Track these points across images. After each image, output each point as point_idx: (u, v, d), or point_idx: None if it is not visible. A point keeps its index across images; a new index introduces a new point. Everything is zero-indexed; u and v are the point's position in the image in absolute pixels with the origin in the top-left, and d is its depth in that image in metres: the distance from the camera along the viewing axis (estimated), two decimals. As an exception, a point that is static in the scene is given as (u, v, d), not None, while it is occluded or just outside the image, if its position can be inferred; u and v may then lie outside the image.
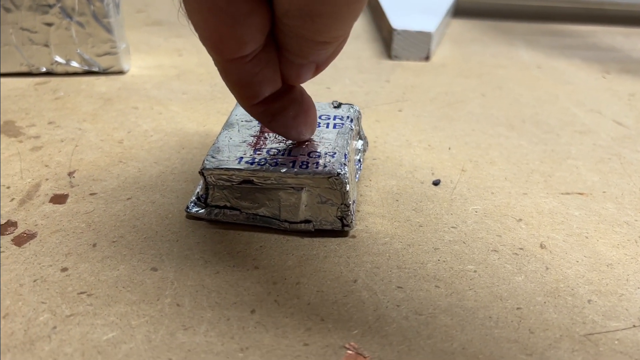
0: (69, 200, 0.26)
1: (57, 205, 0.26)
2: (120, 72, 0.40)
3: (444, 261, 0.24)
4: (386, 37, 0.48)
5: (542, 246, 0.25)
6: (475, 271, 0.23)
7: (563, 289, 0.22)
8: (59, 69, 0.39)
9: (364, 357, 0.19)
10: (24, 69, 0.38)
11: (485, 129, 0.35)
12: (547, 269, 0.23)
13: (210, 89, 0.39)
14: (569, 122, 0.36)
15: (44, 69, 0.39)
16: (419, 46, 0.45)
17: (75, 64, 0.39)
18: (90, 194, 0.27)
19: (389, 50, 0.46)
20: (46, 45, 0.38)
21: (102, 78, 0.39)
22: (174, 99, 0.37)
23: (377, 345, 0.20)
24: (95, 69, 0.39)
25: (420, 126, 0.35)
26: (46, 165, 0.29)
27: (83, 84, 0.38)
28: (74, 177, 0.28)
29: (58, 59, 0.38)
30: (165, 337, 0.20)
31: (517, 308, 0.21)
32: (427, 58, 0.45)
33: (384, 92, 0.39)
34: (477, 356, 0.19)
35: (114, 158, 0.30)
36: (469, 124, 0.35)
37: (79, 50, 0.38)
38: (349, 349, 0.19)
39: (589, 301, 0.22)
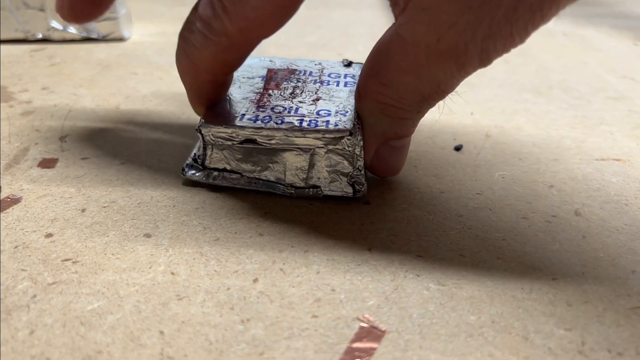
0: (58, 164, 0.24)
1: (45, 169, 0.24)
2: (121, 39, 0.38)
3: (469, 228, 0.21)
4: (402, 5, 0.46)
5: (577, 213, 0.22)
6: (504, 239, 0.21)
7: (603, 259, 0.20)
8: (56, 36, 0.37)
9: (380, 331, 0.17)
10: (19, 35, 0.37)
11: (510, 95, 0.32)
12: (584, 237, 0.21)
13: (215, 55, 0.36)
14: (601, 89, 0.33)
15: (40, 35, 0.37)
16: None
17: (72, 30, 0.37)
18: (82, 159, 0.25)
19: (404, 18, 0.43)
20: (42, 10, 0.36)
21: (102, 45, 0.37)
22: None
23: (394, 317, 0.17)
24: (94, 36, 0.37)
25: (439, 91, 0.32)
26: (37, 130, 0.27)
27: (81, 50, 0.36)
28: (65, 141, 0.26)
29: (55, 24, 0.36)
30: (157, 307, 0.17)
31: (553, 279, 0.19)
32: (445, 25, 0.42)
33: (400, 59, 0.37)
34: (508, 331, 0.17)
35: (109, 123, 0.28)
36: (492, 89, 0.33)
37: (76, 15, 0.36)
38: (363, 321, 0.17)
39: (632, 272, 0.19)
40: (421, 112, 0.21)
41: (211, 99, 0.23)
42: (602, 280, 0.19)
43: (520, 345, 0.17)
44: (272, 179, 0.22)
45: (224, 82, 0.22)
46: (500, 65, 0.36)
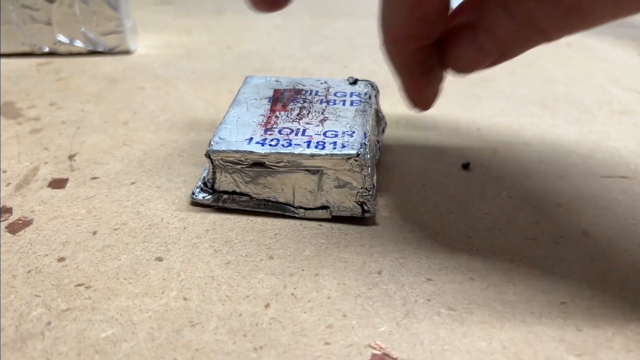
0: (68, 184, 0.25)
1: (56, 190, 0.24)
2: (127, 52, 0.38)
3: (478, 250, 0.21)
4: (406, 15, 0.46)
5: (585, 234, 0.22)
6: (513, 261, 0.21)
7: (612, 281, 0.20)
8: (62, 49, 0.37)
9: (393, 358, 0.17)
10: (26, 49, 0.37)
11: (516, 108, 0.32)
12: (592, 259, 0.21)
13: (221, 67, 0.36)
14: (606, 101, 0.33)
15: (46, 49, 0.37)
16: (442, 23, 0.42)
17: (79, 44, 0.37)
18: (92, 178, 0.25)
19: (409, 28, 0.44)
20: (48, 24, 0.36)
21: (108, 58, 0.37)
22: (183, 78, 0.35)
23: (406, 344, 0.18)
24: (101, 49, 0.37)
25: (446, 106, 0.32)
26: (46, 148, 0.27)
27: (87, 64, 0.36)
28: (74, 160, 0.26)
29: (61, 38, 0.36)
30: (171, 334, 0.18)
31: (562, 302, 0.19)
32: (450, 35, 0.42)
33: (406, 71, 0.37)
34: (519, 357, 0.17)
35: (117, 140, 0.28)
36: (499, 103, 0.33)
37: (82, 29, 0.36)
38: (375, 348, 0.17)
39: (641, 295, 0.20)
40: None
41: (423, 83, 0.21)
42: (611, 303, 0.19)
43: (531, 372, 0.17)
44: (282, 200, 0.23)
45: (431, 56, 0.20)
46: (506, 77, 0.36)
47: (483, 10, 0.19)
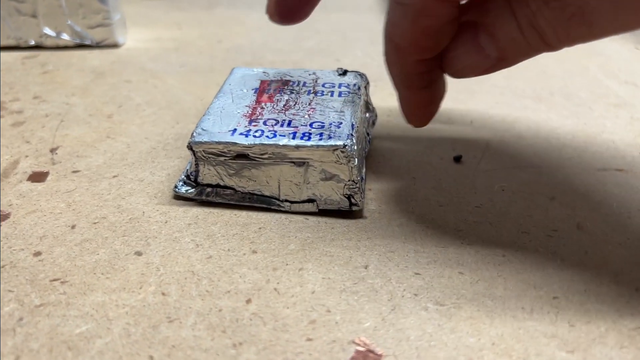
0: (49, 178, 0.24)
1: (35, 183, 0.24)
2: (115, 46, 0.37)
3: (468, 244, 0.21)
4: (400, 9, 0.45)
5: (579, 227, 0.22)
6: (504, 255, 0.20)
7: (605, 276, 0.19)
8: (49, 42, 0.36)
9: (376, 355, 0.16)
10: (11, 42, 0.36)
11: (510, 102, 0.31)
12: (586, 252, 0.20)
13: (210, 61, 0.36)
14: (602, 95, 0.33)
15: (32, 42, 0.36)
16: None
17: (65, 37, 0.36)
18: (73, 172, 0.24)
19: (403, 22, 0.43)
20: (34, 16, 0.35)
21: (95, 52, 0.36)
22: (171, 72, 0.34)
23: (391, 340, 0.17)
24: (88, 42, 0.36)
25: (438, 99, 0.31)
26: (27, 142, 0.26)
27: (74, 57, 0.36)
28: (56, 153, 0.26)
29: (47, 31, 0.36)
30: (147, 330, 0.17)
31: (554, 297, 0.19)
32: (444, 29, 0.42)
33: (398, 64, 0.36)
34: (509, 354, 0.17)
35: (101, 133, 0.27)
36: (493, 96, 0.32)
37: (69, 22, 0.36)
38: (359, 344, 0.17)
39: (636, 289, 0.19)
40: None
41: (423, 97, 0.21)
42: (605, 298, 0.19)
43: (521, 369, 0.16)
44: (267, 193, 0.22)
45: (433, 69, 0.20)
46: (501, 71, 0.36)
47: (487, 10, 0.18)
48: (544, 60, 0.37)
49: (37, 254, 0.20)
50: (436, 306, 0.18)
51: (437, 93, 0.21)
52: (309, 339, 0.17)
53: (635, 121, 0.30)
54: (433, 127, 0.28)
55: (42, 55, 0.36)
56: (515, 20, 0.17)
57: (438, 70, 0.20)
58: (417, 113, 0.22)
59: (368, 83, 0.26)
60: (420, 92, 0.21)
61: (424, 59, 0.19)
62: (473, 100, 0.31)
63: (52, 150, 0.26)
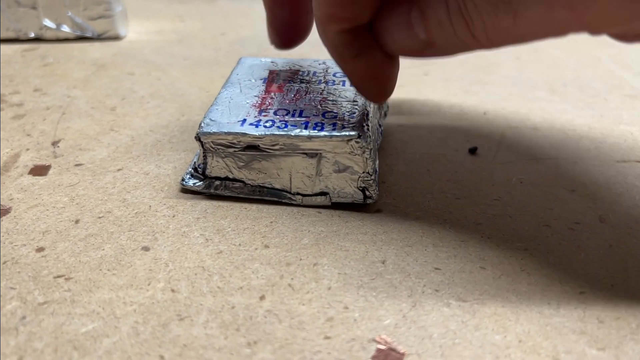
0: (51, 171, 0.23)
1: (37, 177, 0.23)
2: (117, 38, 0.36)
3: (489, 238, 0.20)
4: None
5: (601, 220, 0.21)
6: (526, 249, 0.19)
7: (632, 269, 0.19)
8: (49, 35, 0.35)
9: (399, 353, 0.16)
10: (11, 34, 0.35)
11: (523, 93, 0.31)
12: (611, 246, 0.20)
13: (215, 53, 0.35)
14: (617, 86, 0.32)
15: (32, 35, 0.35)
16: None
17: (66, 29, 0.35)
18: (76, 165, 0.23)
19: (410, 13, 0.42)
20: (34, 8, 0.34)
21: (97, 44, 0.36)
22: (175, 64, 0.33)
23: (414, 338, 0.16)
24: (89, 34, 0.36)
25: (450, 90, 0.31)
26: (28, 135, 0.26)
27: (75, 50, 0.35)
28: (58, 146, 0.25)
29: (47, 23, 0.35)
30: (157, 329, 0.16)
31: (581, 292, 0.18)
32: (452, 21, 0.41)
33: (407, 56, 0.35)
34: (537, 351, 0.16)
35: (104, 126, 0.26)
36: (505, 87, 0.31)
37: (69, 13, 0.35)
38: (380, 343, 0.16)
39: (665, 284, 0.18)
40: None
41: (358, 65, 0.19)
42: (634, 292, 0.18)
43: (550, 368, 0.15)
44: (278, 186, 0.21)
45: (360, 36, 0.18)
46: (511, 62, 0.35)
47: None
48: (555, 52, 0.37)
49: (40, 249, 0.19)
50: (459, 302, 0.17)
51: (374, 61, 0.19)
52: (327, 337, 0.16)
53: (653, 112, 0.29)
54: (445, 119, 0.28)
55: (43, 47, 0.35)
56: (446, 1, 0.16)
57: (366, 41, 0.18)
58: (364, 85, 0.20)
59: (380, 73, 0.25)
60: (354, 61, 0.19)
61: (346, 28, 0.18)
62: (485, 91, 0.31)
63: (54, 144, 0.25)
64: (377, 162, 0.23)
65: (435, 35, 0.17)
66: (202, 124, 0.21)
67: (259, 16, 0.41)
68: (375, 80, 0.19)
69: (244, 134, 0.20)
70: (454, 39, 0.16)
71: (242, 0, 0.44)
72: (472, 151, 0.25)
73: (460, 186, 0.23)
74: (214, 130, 0.20)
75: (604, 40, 0.39)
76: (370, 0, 0.17)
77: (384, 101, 0.21)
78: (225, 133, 0.20)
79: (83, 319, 0.16)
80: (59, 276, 0.18)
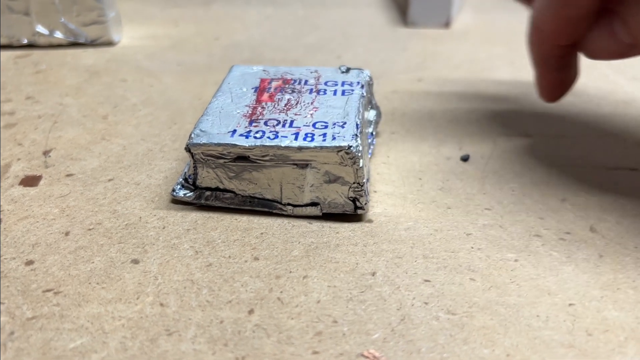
0: (42, 182, 0.23)
1: (27, 188, 0.23)
2: (110, 44, 0.36)
3: (479, 249, 0.20)
4: (401, 3, 0.44)
5: (592, 230, 0.21)
6: (516, 260, 0.19)
7: (623, 281, 0.19)
8: (42, 41, 0.35)
9: (387, 368, 0.16)
10: (4, 41, 0.35)
11: (517, 99, 0.31)
12: (601, 256, 0.20)
13: (208, 59, 0.35)
14: (610, 91, 0.32)
15: (25, 41, 0.35)
16: (438, 12, 0.40)
17: (59, 35, 0.35)
18: (67, 175, 0.23)
19: (404, 17, 0.42)
20: (27, 14, 0.34)
21: (90, 50, 0.36)
22: (168, 71, 0.33)
23: (402, 352, 0.16)
24: (82, 40, 0.35)
25: (443, 97, 0.31)
26: (19, 144, 0.26)
27: (68, 56, 0.35)
28: (49, 156, 0.25)
29: (40, 29, 0.35)
30: (145, 344, 0.16)
31: (570, 304, 0.18)
32: (447, 25, 0.41)
33: (401, 61, 0.35)
34: (525, 365, 0.16)
35: (96, 135, 0.26)
36: (499, 93, 0.31)
37: (62, 19, 0.35)
38: (368, 357, 0.16)
39: (655, 295, 0.18)
40: None
41: (557, 78, 0.24)
42: (623, 305, 0.18)
43: (538, 382, 0.15)
44: (269, 197, 0.21)
45: (569, 54, 0.23)
46: (506, 67, 0.35)
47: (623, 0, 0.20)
48: (550, 56, 0.37)
49: (29, 262, 0.19)
50: (447, 315, 0.17)
51: (569, 76, 0.24)
52: (315, 352, 0.16)
53: (646, 118, 0.29)
54: (438, 126, 0.28)
55: (35, 54, 0.35)
56: None
57: (573, 56, 0.23)
58: (548, 91, 0.24)
59: (372, 81, 0.25)
60: (554, 72, 0.23)
61: (561, 44, 0.22)
62: (478, 97, 0.31)
63: (45, 153, 0.25)
64: (369, 171, 0.23)
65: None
66: (192, 135, 0.21)
67: (253, 21, 0.41)
68: (562, 89, 0.24)
69: (234, 145, 0.20)
70: None
71: (236, 4, 0.44)
72: (465, 159, 0.25)
73: (451, 195, 0.23)
74: (204, 141, 0.20)
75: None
76: (588, 19, 0.21)
77: (553, 102, 0.25)
78: (215, 144, 0.20)
79: (71, 334, 0.16)
80: (48, 290, 0.18)
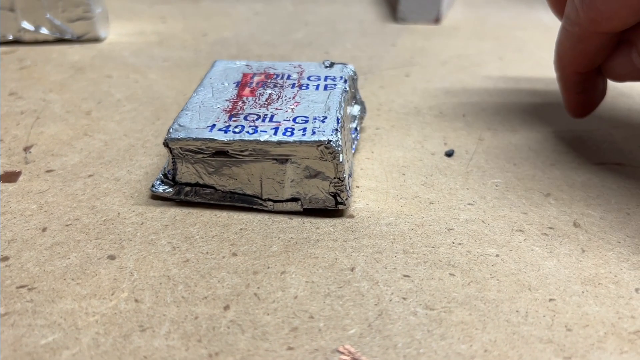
0: (21, 178, 0.23)
1: (6, 184, 0.22)
2: (97, 40, 0.36)
3: (460, 244, 0.20)
4: None
5: (575, 225, 0.21)
6: (497, 255, 0.19)
7: (604, 276, 0.18)
8: (27, 37, 0.35)
9: (362, 364, 0.15)
10: (-11, 37, 0.35)
11: (504, 95, 0.30)
12: (584, 251, 0.20)
13: (195, 55, 0.35)
14: (599, 86, 0.32)
15: (10, 37, 0.35)
16: (428, 7, 0.40)
17: (45, 31, 0.35)
18: (47, 171, 0.23)
19: (394, 13, 0.42)
20: (11, 10, 0.34)
21: (76, 46, 0.35)
22: (153, 67, 0.33)
23: (378, 348, 0.16)
24: (68, 37, 0.35)
25: (430, 92, 0.30)
26: (0, 140, 0.25)
27: (54, 52, 0.34)
28: (30, 152, 0.25)
29: (26, 25, 0.34)
30: (118, 340, 0.16)
31: (550, 300, 0.18)
32: (437, 20, 0.41)
33: (390, 57, 0.35)
34: (502, 361, 0.16)
35: (78, 131, 0.26)
36: (486, 89, 0.31)
37: (48, 15, 0.34)
38: (343, 353, 0.16)
39: (636, 290, 0.18)
40: None
41: (579, 99, 0.25)
42: (604, 300, 0.18)
43: (515, 378, 0.15)
44: (249, 192, 0.21)
45: (590, 79, 0.24)
46: (495, 62, 0.35)
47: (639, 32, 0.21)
48: (539, 52, 0.36)
49: (5, 259, 0.19)
50: (426, 310, 0.17)
51: (593, 97, 0.25)
52: (290, 348, 0.16)
53: (633, 112, 0.29)
54: (424, 121, 0.27)
55: (21, 50, 0.35)
56: None
57: (595, 80, 0.24)
58: (573, 110, 0.26)
59: (356, 75, 0.25)
60: (577, 95, 0.25)
61: (580, 72, 0.24)
62: (465, 92, 0.30)
63: (26, 149, 0.25)
64: (352, 165, 0.23)
65: None
66: (171, 130, 0.20)
67: (242, 17, 0.41)
68: (587, 108, 0.25)
69: (212, 140, 0.20)
70: None
71: (227, 0, 0.44)
72: (449, 154, 0.25)
73: (434, 190, 0.22)
74: (182, 136, 0.20)
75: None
76: (604, 52, 0.22)
77: (580, 117, 0.27)
78: (194, 139, 0.20)
79: (44, 331, 0.16)
80: (22, 286, 0.18)
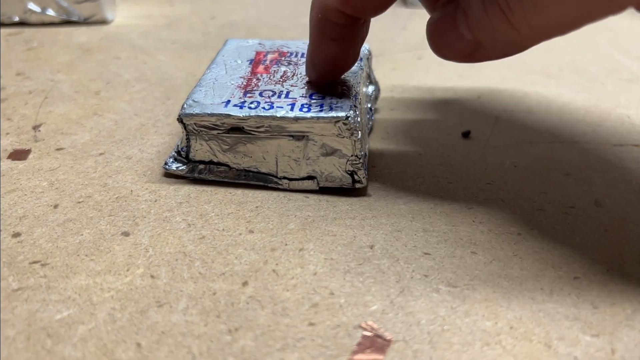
0: (30, 156, 0.22)
1: (16, 161, 0.22)
2: (104, 22, 0.35)
3: (480, 222, 0.19)
4: (401, -15, 0.44)
5: (597, 204, 0.20)
6: (519, 234, 0.19)
7: (628, 254, 0.18)
8: (34, 19, 0.34)
9: (385, 340, 0.15)
10: (-5, 18, 0.34)
11: (518, 77, 0.30)
12: (606, 230, 0.19)
13: (203, 37, 0.34)
14: (614, 70, 0.31)
15: (16, 19, 0.34)
16: (438, -8, 0.40)
17: (51, 13, 0.34)
18: (57, 149, 0.23)
19: (404, -2, 0.41)
20: (18, -9, 0.33)
21: (83, 28, 0.35)
22: (162, 48, 0.32)
23: (401, 324, 0.15)
24: (75, 19, 0.35)
25: (444, 74, 0.30)
26: (8, 119, 0.25)
27: (60, 34, 0.34)
28: (39, 130, 0.24)
29: (32, 6, 0.34)
30: (134, 316, 0.16)
31: (575, 278, 0.17)
32: (447, 5, 0.40)
33: (401, 40, 0.34)
34: (529, 338, 0.15)
35: (88, 110, 0.26)
36: (500, 71, 0.31)
37: (55, -4, 0.34)
38: (365, 329, 0.15)
39: (661, 269, 0.18)
40: None
41: (329, 47, 0.20)
42: (629, 278, 0.17)
43: (542, 354, 0.15)
44: (264, 170, 0.21)
45: (349, 27, 0.19)
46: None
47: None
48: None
49: (16, 235, 0.18)
50: (448, 288, 0.17)
51: (342, 54, 0.20)
52: (311, 324, 0.15)
53: (650, 96, 0.28)
54: (439, 103, 0.27)
55: (27, 31, 0.34)
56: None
57: (352, 33, 0.19)
58: (317, 64, 0.20)
59: (371, 55, 0.25)
60: (329, 43, 0.19)
61: (345, 13, 0.18)
62: (479, 75, 0.30)
63: (35, 128, 0.24)
64: (368, 145, 0.22)
65: (478, 32, 0.16)
66: (185, 105, 0.20)
67: (251, 0, 0.41)
68: (332, 67, 0.20)
69: (228, 115, 0.19)
70: (496, 33, 0.16)
71: (233, -16, 0.44)
72: (466, 135, 0.24)
73: (452, 170, 0.22)
74: (197, 111, 0.20)
75: (602, 24, 0.38)
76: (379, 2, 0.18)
77: (321, 82, 0.21)
78: (209, 114, 0.19)
79: (58, 306, 0.16)
80: (34, 262, 0.17)
